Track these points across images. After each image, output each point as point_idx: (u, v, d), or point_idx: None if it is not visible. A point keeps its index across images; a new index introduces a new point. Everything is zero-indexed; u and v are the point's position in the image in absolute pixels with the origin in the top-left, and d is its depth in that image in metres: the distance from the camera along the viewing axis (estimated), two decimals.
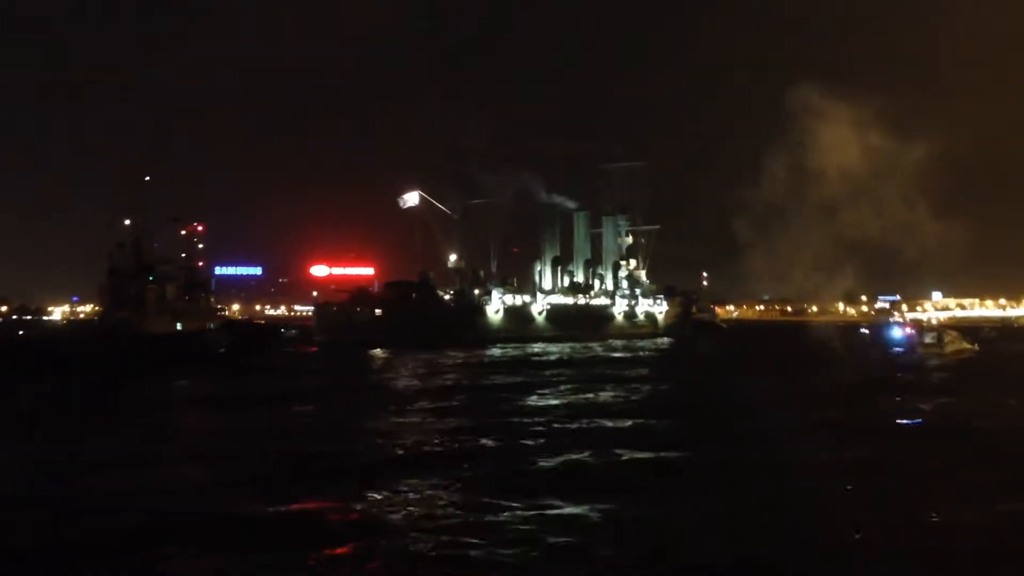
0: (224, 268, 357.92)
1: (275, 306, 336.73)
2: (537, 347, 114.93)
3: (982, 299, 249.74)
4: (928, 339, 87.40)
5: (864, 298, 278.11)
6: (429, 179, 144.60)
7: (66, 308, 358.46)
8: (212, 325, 68.74)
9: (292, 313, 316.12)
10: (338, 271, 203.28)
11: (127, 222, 65.95)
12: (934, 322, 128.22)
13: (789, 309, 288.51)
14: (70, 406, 45.93)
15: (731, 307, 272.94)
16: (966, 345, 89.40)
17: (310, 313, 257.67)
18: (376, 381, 64.44)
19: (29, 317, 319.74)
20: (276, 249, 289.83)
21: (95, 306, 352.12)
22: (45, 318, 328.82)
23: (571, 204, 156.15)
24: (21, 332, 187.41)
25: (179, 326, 64.95)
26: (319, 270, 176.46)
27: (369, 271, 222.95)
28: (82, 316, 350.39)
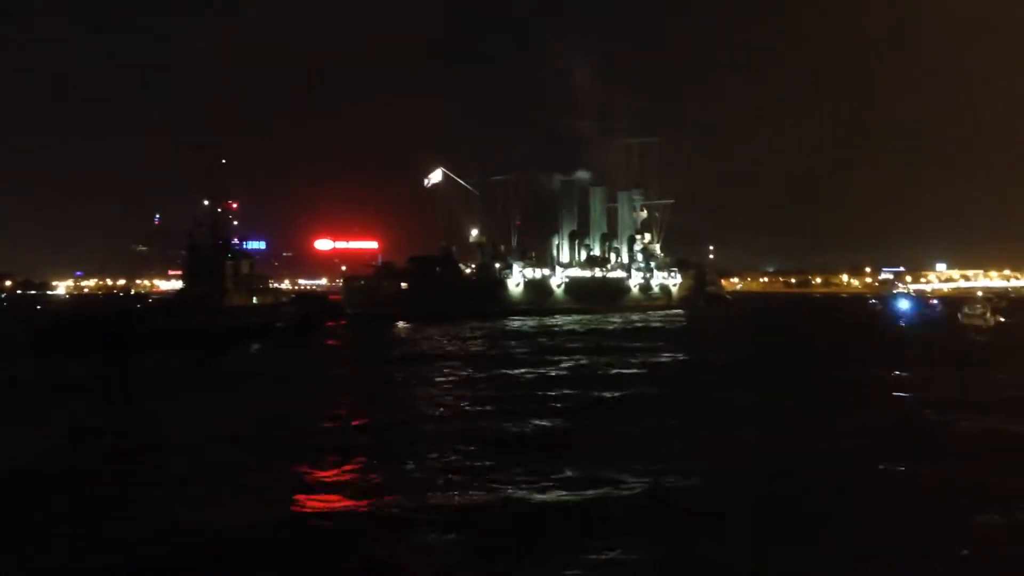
0: None
1: (279, 280, 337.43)
2: (559, 319, 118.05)
3: (986, 270, 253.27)
4: (967, 310, 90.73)
5: (868, 269, 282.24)
6: (447, 156, 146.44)
7: (70, 283, 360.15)
8: (284, 299, 71.37)
9: (296, 287, 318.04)
10: (342, 245, 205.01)
11: (205, 202, 68.69)
12: (979, 294, 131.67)
13: (793, 281, 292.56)
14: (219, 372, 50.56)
15: (735, 279, 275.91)
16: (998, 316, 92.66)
17: (315, 287, 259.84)
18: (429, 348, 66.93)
19: (34, 292, 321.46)
20: (279, 223, 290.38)
21: (99, 280, 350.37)
22: (49, 292, 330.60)
23: (584, 175, 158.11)
24: (39, 307, 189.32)
25: (255, 300, 67.85)
26: (323, 244, 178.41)
27: (373, 245, 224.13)
28: (86, 291, 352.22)
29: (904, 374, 47.14)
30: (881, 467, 24.69)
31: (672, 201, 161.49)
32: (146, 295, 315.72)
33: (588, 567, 16.85)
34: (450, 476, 23.76)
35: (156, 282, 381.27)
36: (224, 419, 33.27)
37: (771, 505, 21.24)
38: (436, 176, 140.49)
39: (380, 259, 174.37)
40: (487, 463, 25.24)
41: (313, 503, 21.24)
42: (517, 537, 18.83)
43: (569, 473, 23.93)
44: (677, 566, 17.24)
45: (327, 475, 24.10)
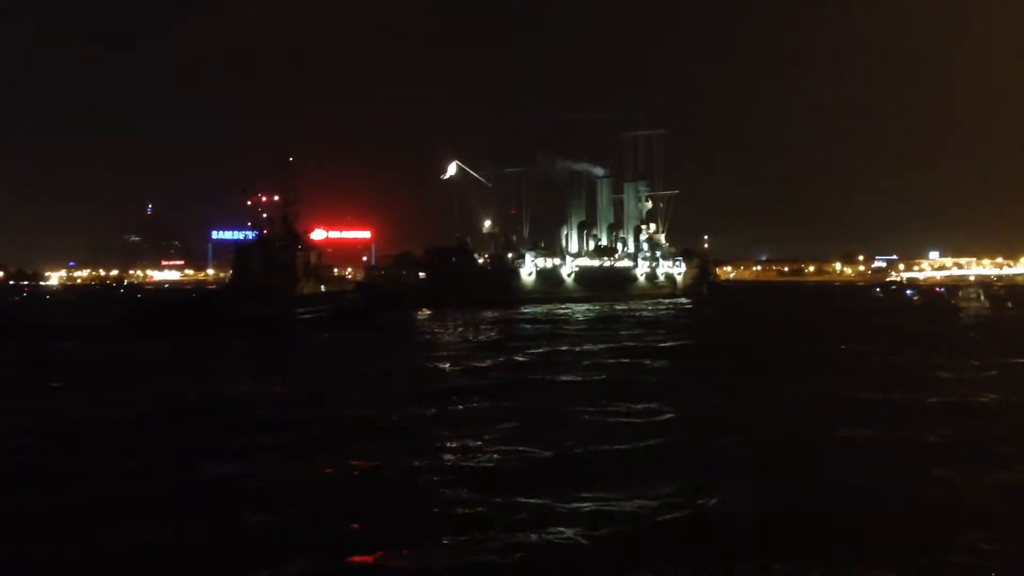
0: (221, 232, 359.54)
1: None
2: (571, 307, 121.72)
3: (979, 258, 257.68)
4: (964, 295, 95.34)
5: (861, 258, 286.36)
6: (459, 148, 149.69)
7: (63, 273, 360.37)
8: (349, 287, 74.91)
9: None
10: (335, 235, 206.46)
11: (276, 198, 71.99)
12: (972, 279, 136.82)
13: (786, 269, 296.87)
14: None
15: (728, 268, 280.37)
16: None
17: None
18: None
19: (27, 282, 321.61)
20: (271, 212, 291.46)
21: (92, 270, 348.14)
22: (42, 283, 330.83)
23: (599, 171, 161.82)
24: (48, 296, 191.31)
25: (323, 288, 71.43)
26: (316, 234, 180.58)
27: (366, 235, 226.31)
28: (79, 281, 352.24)
29: None
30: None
31: (677, 192, 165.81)
32: (140, 285, 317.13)
33: None
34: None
35: (150, 272, 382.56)
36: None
37: None
38: (451, 169, 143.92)
39: (373, 248, 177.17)
40: None
41: None
42: None
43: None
44: None
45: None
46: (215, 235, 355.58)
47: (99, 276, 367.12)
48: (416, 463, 22.18)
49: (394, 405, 31.62)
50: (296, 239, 71.00)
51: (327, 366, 46.97)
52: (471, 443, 24.75)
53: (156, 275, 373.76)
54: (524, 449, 23.84)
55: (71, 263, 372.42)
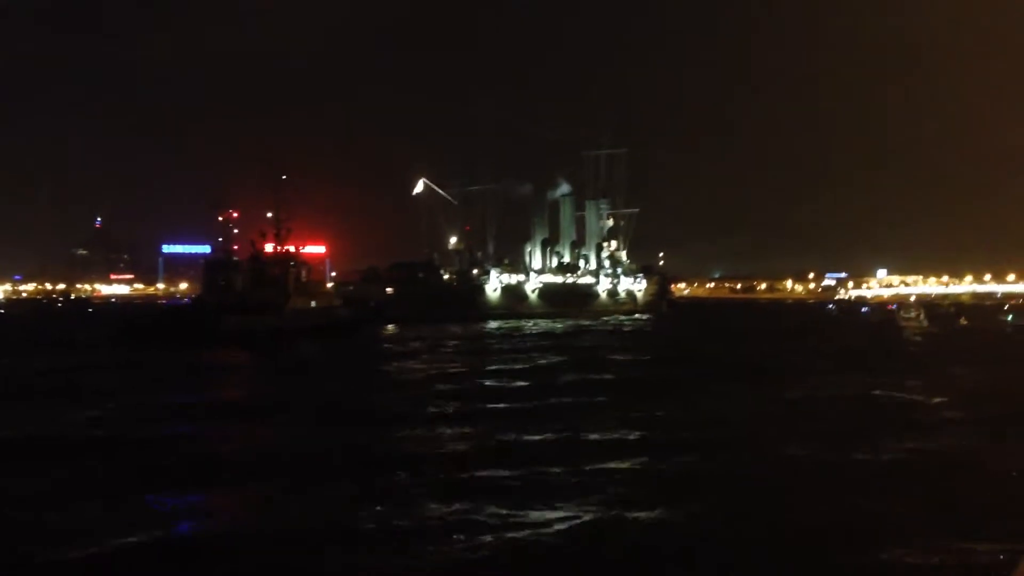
0: (172, 246, 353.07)
1: None
2: (537, 322, 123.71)
3: (925, 276, 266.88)
4: (904, 314, 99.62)
5: (812, 275, 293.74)
6: (427, 165, 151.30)
7: (8, 287, 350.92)
8: (337, 303, 76.12)
9: None
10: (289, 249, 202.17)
11: (269, 214, 72.66)
12: (912, 299, 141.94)
13: (739, 287, 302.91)
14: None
15: (682, 284, 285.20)
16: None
17: None
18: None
19: None
20: (223, 226, 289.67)
21: (38, 284, 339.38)
22: None
23: (562, 191, 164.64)
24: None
25: (313, 303, 72.11)
26: (269, 247, 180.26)
27: (320, 249, 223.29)
28: (24, 295, 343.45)
29: None
30: None
31: (638, 210, 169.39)
32: (88, 299, 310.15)
33: None
34: None
35: (98, 286, 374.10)
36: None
37: None
38: (419, 186, 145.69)
39: (329, 263, 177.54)
40: None
41: None
42: None
43: None
44: None
45: None
46: (166, 249, 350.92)
47: (45, 290, 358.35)
48: None
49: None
50: (288, 255, 71.79)
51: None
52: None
53: (104, 289, 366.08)
54: None
55: (16, 276, 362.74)
